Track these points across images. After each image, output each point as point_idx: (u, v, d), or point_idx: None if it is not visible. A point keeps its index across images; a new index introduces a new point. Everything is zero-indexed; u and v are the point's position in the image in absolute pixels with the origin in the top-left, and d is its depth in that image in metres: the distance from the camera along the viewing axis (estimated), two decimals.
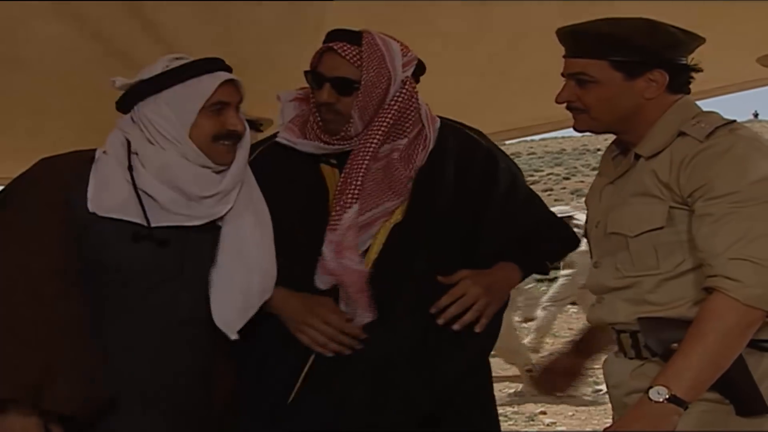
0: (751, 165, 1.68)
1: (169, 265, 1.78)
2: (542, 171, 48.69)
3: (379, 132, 1.99)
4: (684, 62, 1.84)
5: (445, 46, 2.23)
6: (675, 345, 1.69)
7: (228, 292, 1.78)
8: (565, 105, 1.90)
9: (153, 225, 1.72)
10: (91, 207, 1.70)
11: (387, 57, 1.96)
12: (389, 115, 1.99)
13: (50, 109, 2.68)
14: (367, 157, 1.98)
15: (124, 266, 1.73)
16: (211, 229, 1.84)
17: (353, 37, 1.96)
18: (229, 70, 1.85)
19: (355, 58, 1.94)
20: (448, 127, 2.14)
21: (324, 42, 1.99)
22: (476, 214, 2.10)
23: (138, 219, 1.72)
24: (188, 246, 1.80)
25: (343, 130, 1.99)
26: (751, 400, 1.67)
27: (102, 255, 1.72)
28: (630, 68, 1.80)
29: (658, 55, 1.79)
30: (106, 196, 1.72)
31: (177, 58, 1.82)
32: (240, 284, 1.79)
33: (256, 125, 2.52)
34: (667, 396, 1.58)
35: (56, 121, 2.87)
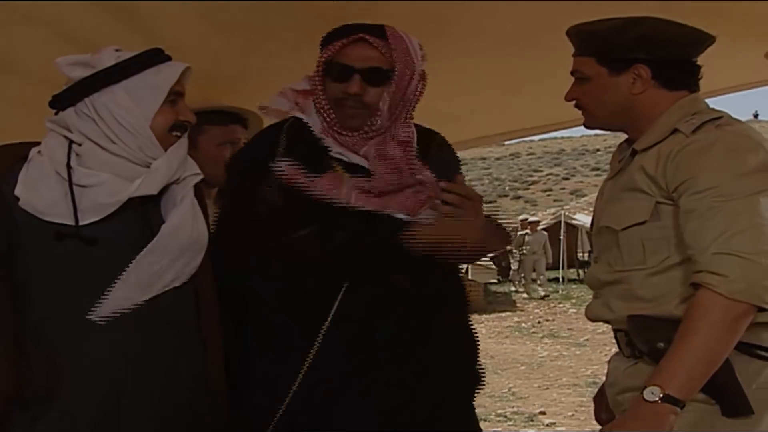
0: (734, 159, 1.68)
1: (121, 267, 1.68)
2: (541, 171, 48.75)
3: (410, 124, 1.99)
4: (670, 57, 1.84)
5: (448, 46, 2.23)
6: (661, 344, 1.69)
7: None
8: (573, 103, 1.94)
9: (83, 223, 1.64)
10: (23, 205, 1.64)
11: (411, 49, 1.96)
12: (412, 108, 1.97)
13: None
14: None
15: (57, 269, 1.65)
16: None
17: (377, 30, 1.94)
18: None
19: (384, 49, 1.91)
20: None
21: (344, 35, 1.92)
22: None
23: (66, 220, 1.65)
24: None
25: (366, 124, 1.94)
26: (736, 401, 1.67)
27: (30, 256, 1.65)
28: (612, 64, 1.84)
29: (635, 50, 1.82)
30: (35, 197, 1.66)
31: (117, 50, 1.76)
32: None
33: (242, 120, 2.50)
34: (661, 395, 1.58)
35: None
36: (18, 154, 1.72)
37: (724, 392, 1.65)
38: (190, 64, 1.79)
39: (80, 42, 2.07)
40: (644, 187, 1.76)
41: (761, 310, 1.59)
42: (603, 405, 2.06)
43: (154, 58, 1.75)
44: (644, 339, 1.74)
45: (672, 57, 1.83)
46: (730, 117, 1.79)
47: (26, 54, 1.97)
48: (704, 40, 1.84)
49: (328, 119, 1.94)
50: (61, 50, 1.78)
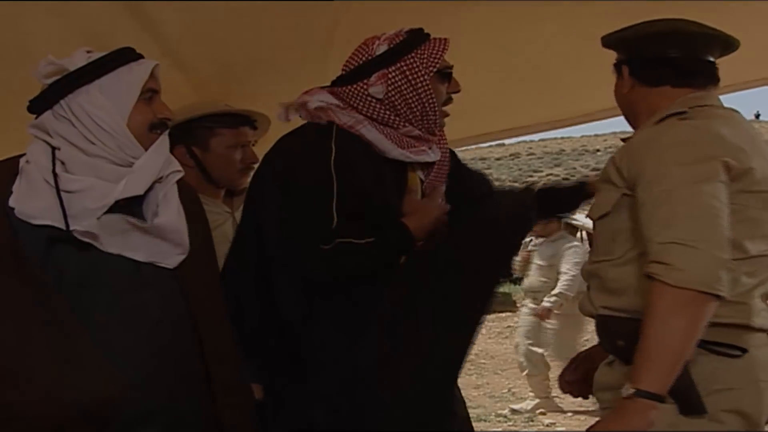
0: (678, 149, 1.69)
1: (122, 267, 1.70)
2: (541, 171, 48.76)
3: None
4: (644, 54, 1.88)
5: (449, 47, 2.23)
6: (621, 342, 1.72)
7: None
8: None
9: (72, 228, 1.64)
10: (18, 214, 1.65)
11: None
12: None
13: None
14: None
15: (57, 272, 1.66)
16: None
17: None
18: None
19: None
20: None
21: (417, 39, 1.96)
22: None
23: (58, 223, 1.65)
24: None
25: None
26: (689, 401, 1.66)
27: (26, 261, 1.63)
28: (614, 66, 1.95)
29: (618, 52, 1.91)
30: (29, 204, 1.66)
31: (89, 51, 1.76)
32: None
33: (251, 122, 2.51)
34: (632, 391, 1.58)
35: None
36: (13, 169, 1.72)
37: (679, 391, 1.64)
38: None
39: (92, 35, 2.07)
40: (614, 179, 1.80)
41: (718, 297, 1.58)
42: (570, 368, 2.11)
43: (125, 56, 1.75)
44: (608, 339, 1.78)
45: (645, 54, 1.87)
46: (710, 112, 1.78)
47: (40, 46, 1.98)
48: (691, 34, 1.84)
49: (433, 122, 1.98)
50: (75, 43, 1.78)
